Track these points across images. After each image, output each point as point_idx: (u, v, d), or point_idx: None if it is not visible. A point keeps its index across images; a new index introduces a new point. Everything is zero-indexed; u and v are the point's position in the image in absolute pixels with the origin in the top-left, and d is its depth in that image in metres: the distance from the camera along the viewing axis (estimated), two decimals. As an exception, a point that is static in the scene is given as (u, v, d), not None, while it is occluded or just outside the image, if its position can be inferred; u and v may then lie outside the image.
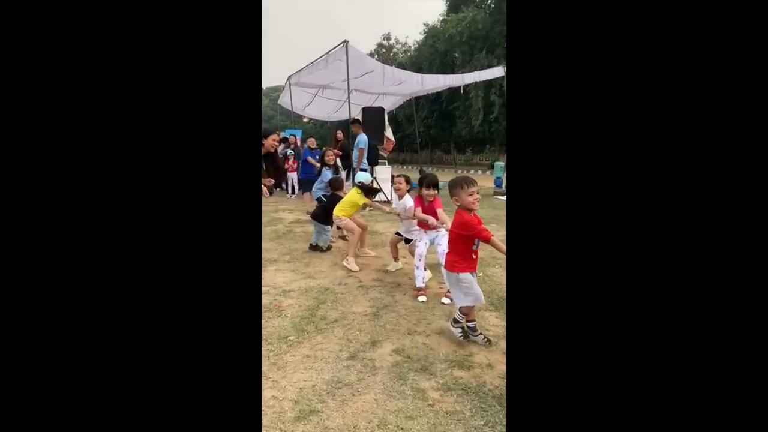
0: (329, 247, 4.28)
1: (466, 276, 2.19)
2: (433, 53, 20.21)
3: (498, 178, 9.89)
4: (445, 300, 2.77)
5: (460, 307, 2.22)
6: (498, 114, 17.66)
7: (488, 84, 16.16)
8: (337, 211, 3.82)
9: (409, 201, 3.36)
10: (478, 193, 2.19)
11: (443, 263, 2.77)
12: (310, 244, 4.35)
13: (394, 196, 3.57)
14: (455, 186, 2.20)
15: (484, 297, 2.23)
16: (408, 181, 3.51)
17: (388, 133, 7.55)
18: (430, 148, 25.17)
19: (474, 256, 2.22)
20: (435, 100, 19.33)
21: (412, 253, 3.34)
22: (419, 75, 8.74)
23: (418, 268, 2.98)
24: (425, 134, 21.48)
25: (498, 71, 9.19)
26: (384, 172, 7.79)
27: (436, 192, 3.05)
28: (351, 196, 3.82)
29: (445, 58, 19.48)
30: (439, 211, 3.00)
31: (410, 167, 18.56)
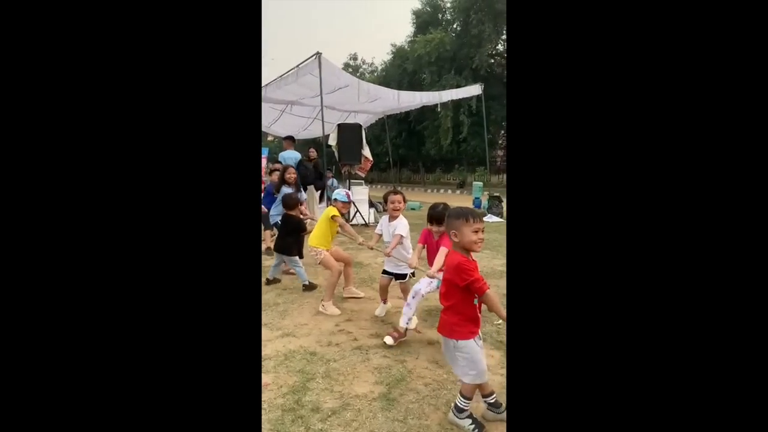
0: (276, 280, 3.65)
1: (467, 344, 1.60)
2: (401, 73, 20.23)
3: (477, 198, 9.53)
4: (389, 339, 2.33)
5: (461, 388, 1.63)
6: (467, 134, 17.74)
7: (457, 104, 16.19)
8: (312, 240, 3.15)
9: (401, 226, 2.77)
10: (483, 231, 1.64)
11: (410, 302, 2.31)
12: (266, 279, 3.69)
13: (383, 218, 2.97)
14: (457, 216, 1.64)
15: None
16: (405, 200, 2.92)
17: (366, 151, 6.96)
18: (398, 168, 25.09)
19: (478, 313, 1.63)
20: (403, 119, 19.21)
21: (404, 291, 2.78)
22: (395, 92, 8.29)
23: (408, 305, 2.42)
24: (394, 153, 21.31)
25: (475, 89, 8.95)
26: (361, 193, 7.16)
27: (442, 228, 2.47)
28: (323, 217, 3.20)
29: (414, 77, 19.47)
30: (442, 250, 2.41)
31: (379, 186, 18.09)
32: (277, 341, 2.44)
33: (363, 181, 7.79)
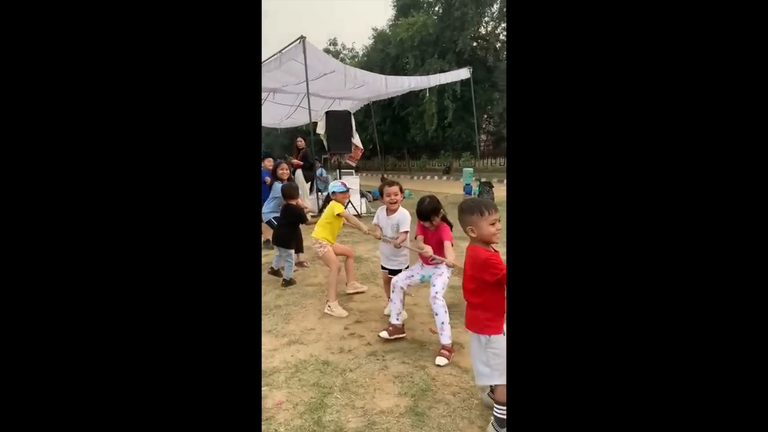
0: (291, 281, 3.46)
1: (499, 339, 1.52)
2: (384, 58, 19.77)
3: (467, 185, 9.42)
4: (441, 360, 2.06)
5: (496, 394, 1.54)
6: (452, 119, 17.57)
7: (441, 89, 15.95)
8: (317, 232, 3.01)
9: (404, 221, 2.60)
10: (499, 221, 1.55)
11: (439, 313, 2.16)
12: (271, 268, 3.66)
13: (380, 210, 2.77)
14: (471, 211, 1.56)
15: None
16: (402, 190, 2.74)
17: (356, 139, 6.71)
18: (383, 154, 24.92)
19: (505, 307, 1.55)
20: (387, 105, 18.88)
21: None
22: (383, 77, 8.02)
23: (392, 301, 2.38)
24: (378, 140, 21.11)
25: (463, 73, 8.75)
26: (352, 183, 6.92)
27: (438, 218, 2.34)
28: (329, 209, 3.06)
29: (396, 62, 19.08)
30: (447, 245, 2.30)
31: (365, 174, 17.84)
32: (284, 350, 2.26)
33: (353, 171, 7.56)
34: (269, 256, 4.05)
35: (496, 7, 17.46)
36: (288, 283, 3.41)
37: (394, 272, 2.65)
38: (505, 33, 17.56)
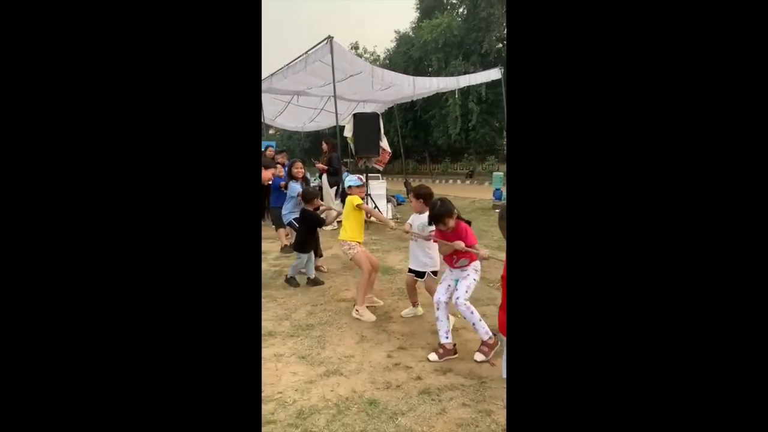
0: (315, 281, 3.46)
1: None
2: (407, 61, 19.54)
3: (497, 189, 9.02)
4: (479, 356, 2.16)
5: None
6: (476, 122, 17.20)
7: (466, 91, 15.61)
8: (343, 234, 2.93)
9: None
10: None
11: (467, 316, 2.18)
12: (286, 277, 3.53)
13: (414, 215, 2.70)
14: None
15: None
16: (422, 196, 2.60)
17: (384, 143, 6.43)
18: (403, 158, 24.81)
19: None
20: (409, 108, 18.61)
21: (429, 291, 2.57)
22: (410, 78, 7.75)
23: (439, 320, 2.27)
24: (399, 143, 20.92)
25: (495, 73, 8.40)
26: (379, 188, 6.64)
27: (452, 220, 2.23)
28: (348, 203, 2.98)
29: (420, 65, 18.83)
30: (476, 246, 2.24)
31: (388, 178, 17.58)
32: (322, 383, 1.98)
33: (380, 175, 7.29)
34: (290, 259, 3.96)
35: (522, 8, 17.02)
36: (289, 281, 3.44)
37: (420, 275, 2.62)
38: (530, 34, 17.07)
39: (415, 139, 21.21)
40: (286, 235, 4.66)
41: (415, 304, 2.79)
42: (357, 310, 2.75)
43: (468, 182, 16.62)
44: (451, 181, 17.88)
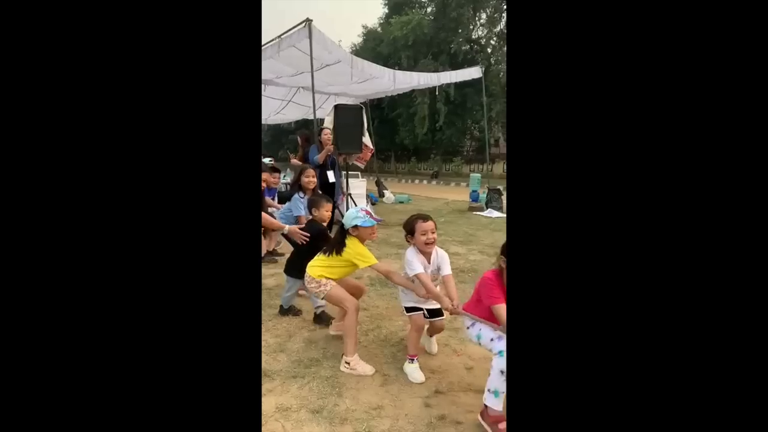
0: (320, 316, 2.58)
1: None
2: (375, 57, 19.09)
3: (474, 191, 8.81)
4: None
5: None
6: (443, 122, 17.14)
7: (432, 91, 15.45)
8: (316, 269, 2.14)
9: (444, 261, 1.98)
10: None
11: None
12: (281, 308, 2.72)
13: (411, 254, 1.95)
14: None
15: None
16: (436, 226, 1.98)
17: (366, 139, 5.93)
18: (375, 156, 24.47)
19: None
20: (376, 106, 18.20)
21: (437, 329, 2.12)
22: (391, 71, 7.27)
23: (505, 375, 1.53)
24: (372, 141, 20.48)
25: (475, 72, 8.15)
26: (359, 187, 6.15)
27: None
28: (347, 254, 2.09)
29: (388, 62, 18.46)
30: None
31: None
32: (353, 452, 1.47)
33: (359, 173, 6.78)
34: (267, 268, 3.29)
35: (489, 11, 17.15)
36: (286, 311, 2.70)
37: (435, 314, 2.03)
38: (494, 38, 17.32)
39: (382, 138, 20.88)
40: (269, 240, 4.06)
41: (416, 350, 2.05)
42: (348, 364, 2.02)
43: (434, 182, 16.49)
44: (417, 181, 17.71)
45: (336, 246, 2.12)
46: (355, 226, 2.07)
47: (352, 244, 2.08)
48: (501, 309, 1.55)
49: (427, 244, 1.91)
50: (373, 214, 2.10)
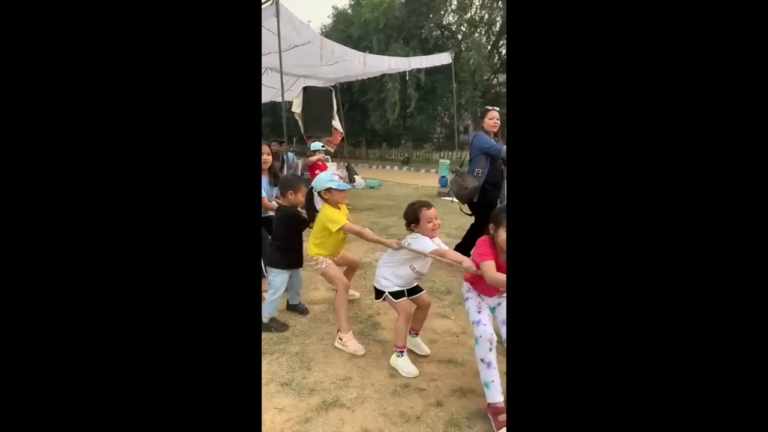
0: (279, 324, 2.29)
1: None
2: (345, 39, 18.73)
3: (443, 177, 8.97)
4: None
5: None
6: (414, 108, 17.15)
7: (403, 76, 15.41)
8: (311, 249, 2.18)
9: (438, 242, 1.94)
10: None
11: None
12: (287, 302, 2.56)
13: (414, 241, 1.92)
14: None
15: None
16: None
17: (336, 122, 5.89)
18: (346, 141, 24.22)
19: None
20: (346, 90, 17.95)
21: (424, 306, 2.04)
22: (362, 54, 7.20)
23: (488, 364, 1.57)
24: (344, 126, 20.19)
25: (445, 57, 8.21)
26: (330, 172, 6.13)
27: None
28: (320, 220, 2.11)
29: (359, 45, 18.19)
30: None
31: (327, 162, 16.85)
32: (320, 420, 1.54)
33: (329, 158, 6.74)
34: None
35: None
36: (293, 308, 2.49)
37: (415, 291, 2.02)
38: (465, 25, 17.40)
39: (352, 122, 20.64)
40: None
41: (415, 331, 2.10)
42: (340, 340, 2.08)
43: (405, 169, 16.58)
44: (388, 167, 17.72)
45: (308, 213, 2.21)
46: (329, 189, 2.07)
47: (323, 209, 2.07)
48: (486, 265, 1.60)
49: (433, 230, 1.91)
50: (344, 178, 2.18)
